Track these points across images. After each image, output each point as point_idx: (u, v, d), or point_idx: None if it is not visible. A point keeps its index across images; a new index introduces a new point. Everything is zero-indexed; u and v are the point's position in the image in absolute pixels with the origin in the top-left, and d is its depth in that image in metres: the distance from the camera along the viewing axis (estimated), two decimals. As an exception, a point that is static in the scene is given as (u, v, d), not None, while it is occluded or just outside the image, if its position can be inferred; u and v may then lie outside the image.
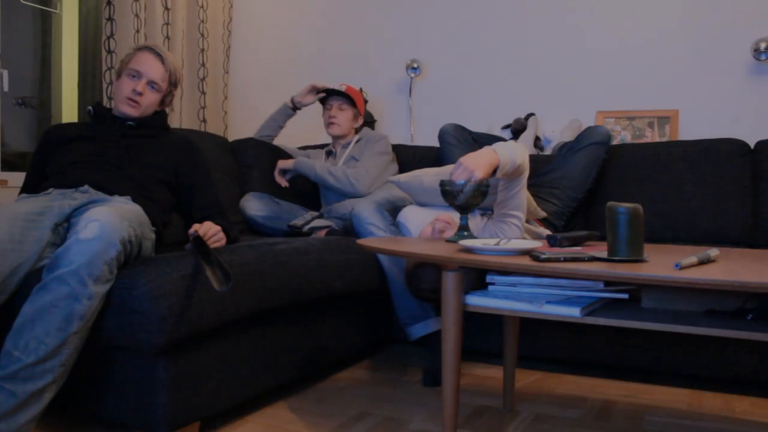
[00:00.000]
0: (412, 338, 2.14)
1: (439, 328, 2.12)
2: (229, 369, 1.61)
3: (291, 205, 2.61)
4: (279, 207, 2.56)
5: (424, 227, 1.99)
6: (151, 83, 1.92)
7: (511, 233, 1.90)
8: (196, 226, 1.67)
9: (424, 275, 1.77)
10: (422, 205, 2.21)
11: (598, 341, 2.03)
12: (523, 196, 1.91)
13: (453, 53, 3.08)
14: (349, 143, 2.75)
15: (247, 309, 1.60)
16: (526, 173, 1.87)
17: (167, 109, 2.05)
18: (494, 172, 1.73)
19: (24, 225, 1.53)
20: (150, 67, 1.91)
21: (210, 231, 1.70)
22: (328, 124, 2.76)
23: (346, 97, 2.74)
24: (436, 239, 1.86)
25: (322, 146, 2.97)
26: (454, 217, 1.98)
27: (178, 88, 2.04)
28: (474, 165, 1.68)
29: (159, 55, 1.93)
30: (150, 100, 1.93)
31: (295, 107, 2.85)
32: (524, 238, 1.97)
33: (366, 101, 3.04)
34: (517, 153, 1.77)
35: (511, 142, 1.84)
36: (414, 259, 1.80)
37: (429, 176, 2.10)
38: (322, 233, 2.40)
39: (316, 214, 2.55)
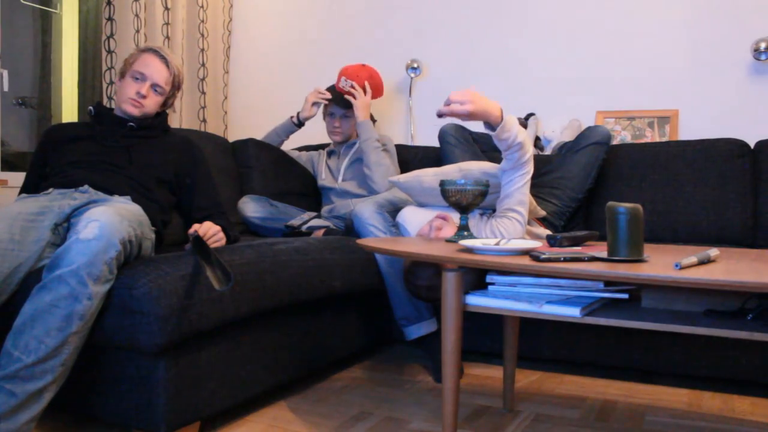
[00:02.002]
0: (407, 339, 2.15)
1: (433, 330, 2.13)
2: (229, 369, 1.61)
3: (288, 207, 2.61)
4: (276, 209, 2.57)
5: (422, 226, 1.99)
6: (155, 86, 1.92)
7: (512, 228, 1.90)
8: (196, 226, 1.67)
9: (420, 273, 1.77)
10: (422, 205, 2.21)
11: (598, 341, 2.03)
12: (526, 192, 1.92)
13: (453, 53, 3.08)
14: (354, 143, 2.75)
15: (247, 309, 1.60)
16: (529, 167, 1.89)
17: (168, 111, 2.06)
18: (490, 128, 1.80)
19: (24, 225, 1.54)
20: (154, 71, 1.91)
21: (210, 231, 1.70)
22: (331, 133, 2.77)
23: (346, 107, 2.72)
24: (433, 237, 1.86)
25: (322, 146, 2.97)
26: (453, 216, 1.98)
27: (180, 90, 2.04)
28: (472, 98, 1.71)
29: (164, 58, 1.94)
30: (153, 103, 1.94)
31: (300, 123, 2.85)
32: (524, 238, 1.97)
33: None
34: (521, 131, 1.81)
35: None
36: (412, 259, 1.80)
37: (428, 176, 2.10)
38: (320, 233, 2.41)
39: (313, 214, 2.56)
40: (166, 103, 2.01)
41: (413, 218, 2.14)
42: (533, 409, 1.79)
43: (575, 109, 2.82)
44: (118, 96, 1.93)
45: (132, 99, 1.89)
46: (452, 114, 1.72)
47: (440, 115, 1.75)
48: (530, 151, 1.90)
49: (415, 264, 1.79)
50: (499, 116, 1.80)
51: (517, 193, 1.91)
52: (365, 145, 2.59)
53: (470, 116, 1.75)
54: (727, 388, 1.97)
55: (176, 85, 2.00)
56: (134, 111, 1.90)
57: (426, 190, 2.11)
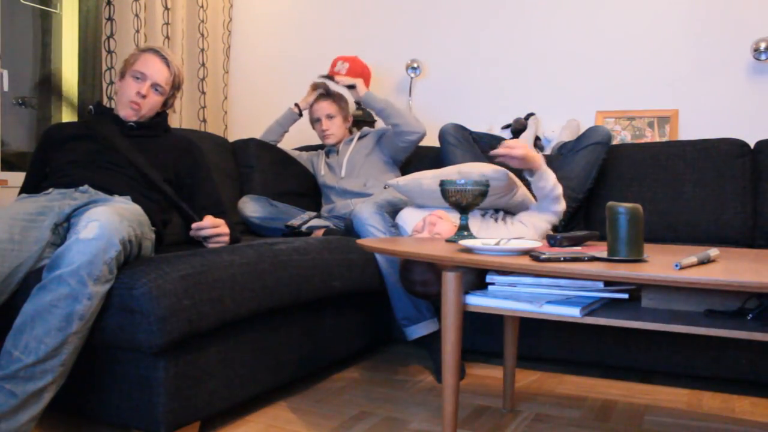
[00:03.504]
0: (409, 339, 2.15)
1: (434, 330, 2.13)
2: (229, 369, 1.61)
3: (288, 207, 2.62)
4: (276, 209, 2.57)
5: (417, 222, 2.00)
6: (155, 86, 1.92)
7: (524, 232, 2.00)
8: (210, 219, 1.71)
9: (413, 268, 1.77)
10: (420, 207, 2.21)
11: (598, 341, 2.03)
12: (551, 222, 2.10)
13: (453, 53, 3.08)
14: (351, 140, 2.77)
15: (247, 309, 1.60)
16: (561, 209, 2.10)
17: (169, 111, 2.05)
18: (530, 173, 2.02)
19: (24, 225, 1.54)
20: (155, 70, 1.91)
21: (219, 229, 1.74)
22: (323, 137, 2.80)
23: (333, 95, 2.76)
24: (427, 233, 1.87)
25: (320, 147, 2.98)
26: (453, 217, 1.98)
27: (180, 91, 2.04)
28: (525, 145, 1.95)
29: (164, 58, 1.93)
30: (153, 103, 1.94)
31: (300, 111, 2.88)
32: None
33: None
34: (558, 185, 2.06)
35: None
36: (411, 258, 1.80)
37: (428, 179, 2.10)
38: (320, 233, 2.41)
39: (313, 214, 2.56)
40: (166, 104, 2.01)
41: (411, 219, 2.14)
42: (533, 409, 1.79)
43: (575, 109, 2.82)
44: (118, 98, 1.93)
45: (131, 101, 1.89)
46: (508, 155, 1.97)
47: (494, 156, 1.99)
48: (562, 203, 2.07)
49: (408, 260, 1.79)
50: (540, 165, 2.00)
51: (545, 225, 2.08)
52: (383, 105, 2.62)
53: (522, 159, 1.96)
54: (727, 388, 1.97)
55: (176, 86, 1.99)
56: (132, 115, 1.91)
57: (425, 192, 2.11)
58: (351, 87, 2.73)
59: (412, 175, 2.16)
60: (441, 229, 1.86)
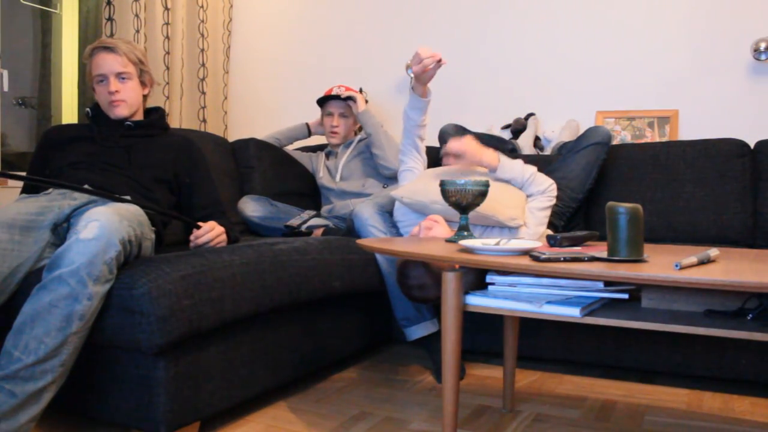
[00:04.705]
0: (408, 339, 2.14)
1: (433, 331, 2.12)
2: (229, 369, 1.61)
3: (288, 207, 2.62)
4: (276, 208, 2.57)
5: (413, 228, 2.00)
6: (118, 76, 1.89)
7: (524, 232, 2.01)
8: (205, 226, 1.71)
9: (410, 273, 1.77)
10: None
11: (598, 341, 2.03)
12: (546, 215, 2.11)
13: (453, 54, 3.08)
14: (351, 142, 2.78)
15: (247, 309, 1.60)
16: (551, 191, 2.12)
17: (157, 84, 2.03)
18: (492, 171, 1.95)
19: (24, 225, 1.54)
20: (107, 65, 1.88)
21: (213, 232, 1.73)
22: (330, 134, 2.81)
23: (347, 99, 2.76)
24: (422, 237, 1.87)
25: (321, 147, 2.98)
26: (450, 224, 1.98)
27: (147, 63, 1.98)
28: (469, 144, 2.01)
29: (107, 48, 1.89)
30: (129, 91, 1.91)
31: (310, 132, 2.96)
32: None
33: (366, 101, 3.05)
34: (527, 168, 2.07)
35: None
36: (406, 258, 1.80)
37: (437, 204, 2.05)
38: (319, 232, 2.41)
39: (313, 213, 2.56)
40: (145, 83, 1.97)
41: (406, 219, 2.15)
42: (533, 409, 1.79)
43: (575, 109, 2.82)
44: (101, 106, 1.93)
45: (110, 102, 1.88)
46: (455, 150, 2.06)
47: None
48: (544, 181, 2.07)
49: (404, 264, 1.79)
50: (495, 160, 2.05)
51: (540, 214, 2.05)
52: (372, 130, 2.64)
53: (461, 154, 2.06)
54: (727, 388, 1.97)
55: (136, 61, 1.93)
56: (120, 112, 1.90)
57: (432, 211, 2.09)
58: (352, 99, 2.74)
59: (417, 191, 2.08)
60: (437, 233, 1.86)
